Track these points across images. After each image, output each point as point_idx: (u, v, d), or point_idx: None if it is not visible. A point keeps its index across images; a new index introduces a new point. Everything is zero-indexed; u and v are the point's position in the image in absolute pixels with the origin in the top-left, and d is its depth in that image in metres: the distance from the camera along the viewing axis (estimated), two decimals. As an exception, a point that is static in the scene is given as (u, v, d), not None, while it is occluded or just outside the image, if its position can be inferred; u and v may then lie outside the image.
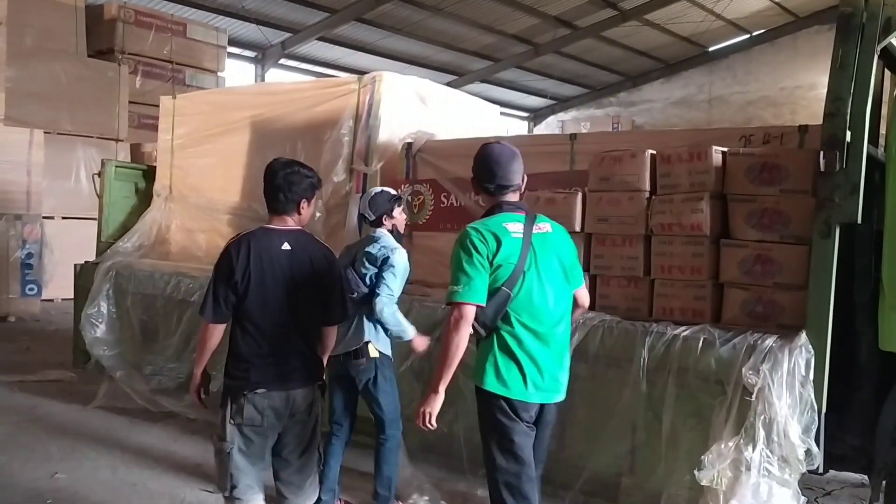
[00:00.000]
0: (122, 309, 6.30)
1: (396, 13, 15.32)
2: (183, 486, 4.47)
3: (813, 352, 3.39)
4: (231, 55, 14.74)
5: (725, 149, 3.93)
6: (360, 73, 6.48)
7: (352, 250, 4.14)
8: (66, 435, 5.25)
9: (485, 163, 3.05)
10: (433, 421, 2.91)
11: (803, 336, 3.42)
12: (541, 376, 2.92)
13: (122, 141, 11.49)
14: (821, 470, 3.55)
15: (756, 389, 3.32)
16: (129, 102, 11.66)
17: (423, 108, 6.01)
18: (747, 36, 18.82)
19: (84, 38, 11.43)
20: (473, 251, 2.85)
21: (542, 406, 2.97)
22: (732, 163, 3.87)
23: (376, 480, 4.02)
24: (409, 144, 5.58)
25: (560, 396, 3.04)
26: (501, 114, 8.02)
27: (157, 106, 7.54)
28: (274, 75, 16.82)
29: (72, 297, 6.99)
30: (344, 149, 5.76)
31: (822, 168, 3.46)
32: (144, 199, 7.31)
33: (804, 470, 3.37)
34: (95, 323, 6.20)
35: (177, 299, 5.94)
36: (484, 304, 2.85)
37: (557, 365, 2.98)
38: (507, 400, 2.89)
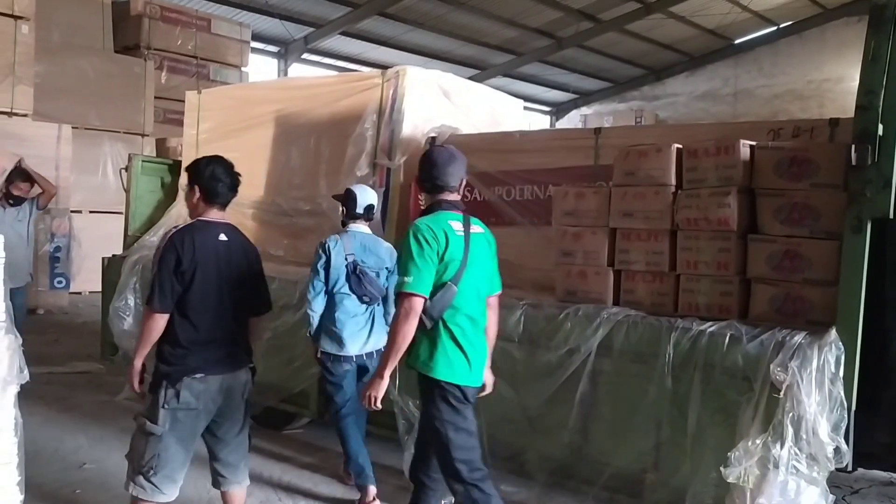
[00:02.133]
0: (149, 302, 6.34)
1: (419, 7, 15.32)
2: (208, 476, 4.49)
3: (843, 349, 3.33)
4: (254, 50, 14.82)
5: (753, 143, 3.88)
6: (383, 67, 6.49)
7: (346, 247, 4.26)
8: (95, 426, 5.31)
9: (424, 165, 3.30)
10: (378, 403, 3.13)
11: (833, 333, 3.36)
12: (479, 360, 3.23)
13: (147, 136, 11.60)
14: (849, 468, 3.50)
15: (784, 386, 3.27)
16: (155, 98, 11.78)
17: (446, 103, 5.98)
18: (774, 28, 18.57)
19: (111, 34, 11.55)
20: (426, 245, 3.05)
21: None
22: (761, 157, 3.81)
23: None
24: (433, 139, 5.56)
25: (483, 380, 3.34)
26: (524, 108, 7.97)
27: (183, 101, 7.59)
28: (297, 70, 16.90)
29: (99, 290, 7.07)
30: (367, 143, 5.75)
31: (853, 162, 3.39)
32: (170, 193, 7.36)
33: (833, 468, 3.32)
34: (123, 316, 6.25)
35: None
36: (428, 297, 3.05)
37: (485, 350, 3.32)
38: (458, 387, 3.13)
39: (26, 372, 2.75)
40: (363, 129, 5.76)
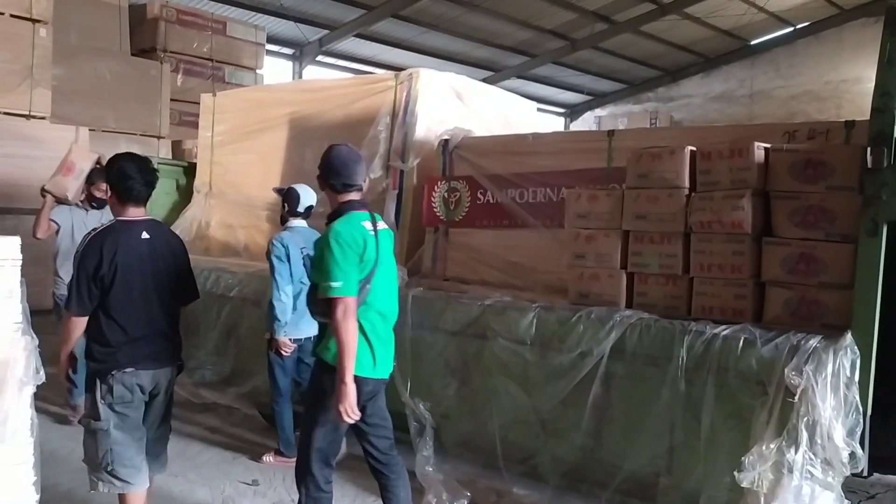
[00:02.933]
0: (164, 303, 6.39)
1: (433, 9, 15.32)
2: (223, 477, 4.54)
3: (858, 353, 3.31)
4: (269, 52, 14.86)
5: (768, 145, 3.86)
6: (397, 69, 6.50)
7: (297, 241, 4.72)
8: (110, 426, 5.34)
9: (333, 162, 3.33)
10: (356, 410, 3.16)
11: (848, 337, 3.34)
12: (386, 354, 3.34)
13: (163, 138, 11.66)
14: (865, 473, 3.48)
15: (799, 391, 3.25)
16: (171, 100, 11.83)
17: (459, 105, 6.00)
18: (791, 29, 18.42)
19: (128, 37, 11.62)
20: (347, 248, 3.15)
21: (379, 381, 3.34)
22: (776, 159, 3.79)
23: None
24: (446, 141, 5.57)
25: (389, 373, 3.41)
26: (537, 110, 7.96)
27: (198, 103, 7.65)
28: (311, 72, 16.95)
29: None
30: (381, 146, 5.77)
31: (869, 164, 3.38)
32: (185, 195, 7.42)
33: (848, 473, 3.30)
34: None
35: (216, 294, 6.01)
36: (357, 297, 3.16)
37: (392, 345, 3.42)
38: (358, 378, 3.17)
39: (42, 373, 2.78)
40: (377, 132, 5.79)
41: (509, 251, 5.20)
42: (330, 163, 3.33)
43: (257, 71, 13.51)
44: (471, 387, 4.52)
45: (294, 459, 4.64)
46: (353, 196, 3.33)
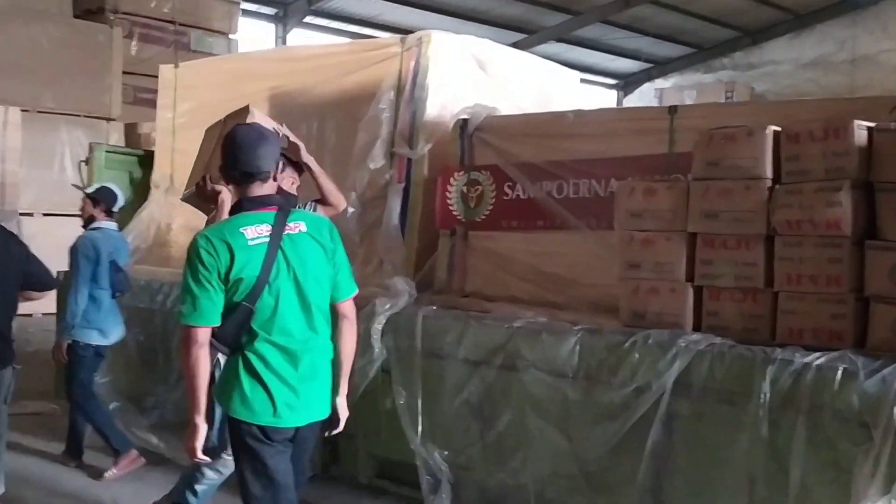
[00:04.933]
0: (114, 326, 6.45)
1: (450, -44, 15.40)
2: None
3: None
4: (246, 13, 15.01)
5: (873, 124, 3.85)
6: (404, 32, 6.54)
7: (107, 245, 5.50)
8: (46, 480, 5.39)
9: (228, 147, 3.27)
10: (199, 454, 3.20)
11: (975, 367, 3.33)
12: (295, 396, 3.20)
13: (114, 120, 11.79)
14: None
15: (913, 435, 3.25)
16: (123, 73, 11.97)
17: (482, 76, 6.03)
18: (903, -23, 18.33)
19: (69, -5, 11.80)
20: (199, 266, 3.10)
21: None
22: (882, 141, 3.78)
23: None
24: (465, 122, 5.60)
25: (321, 414, 3.34)
26: (582, 81, 7.98)
27: (157, 77, 7.73)
28: (298, 36, 17.09)
29: (54, 311, 7.18)
30: (383, 128, 5.81)
31: None
32: (141, 191, 7.50)
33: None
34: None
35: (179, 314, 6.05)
36: (216, 325, 3.12)
37: (314, 381, 3.28)
38: (255, 426, 3.17)
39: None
40: (378, 111, 5.82)
41: (544, 259, 5.22)
42: (226, 148, 3.28)
43: (230, 36, 13.66)
44: (497, 431, 4.53)
45: (130, 455, 5.45)
46: (257, 188, 3.24)
